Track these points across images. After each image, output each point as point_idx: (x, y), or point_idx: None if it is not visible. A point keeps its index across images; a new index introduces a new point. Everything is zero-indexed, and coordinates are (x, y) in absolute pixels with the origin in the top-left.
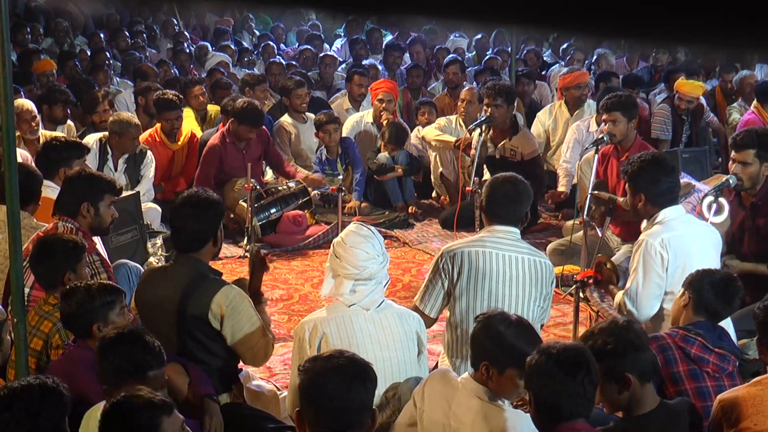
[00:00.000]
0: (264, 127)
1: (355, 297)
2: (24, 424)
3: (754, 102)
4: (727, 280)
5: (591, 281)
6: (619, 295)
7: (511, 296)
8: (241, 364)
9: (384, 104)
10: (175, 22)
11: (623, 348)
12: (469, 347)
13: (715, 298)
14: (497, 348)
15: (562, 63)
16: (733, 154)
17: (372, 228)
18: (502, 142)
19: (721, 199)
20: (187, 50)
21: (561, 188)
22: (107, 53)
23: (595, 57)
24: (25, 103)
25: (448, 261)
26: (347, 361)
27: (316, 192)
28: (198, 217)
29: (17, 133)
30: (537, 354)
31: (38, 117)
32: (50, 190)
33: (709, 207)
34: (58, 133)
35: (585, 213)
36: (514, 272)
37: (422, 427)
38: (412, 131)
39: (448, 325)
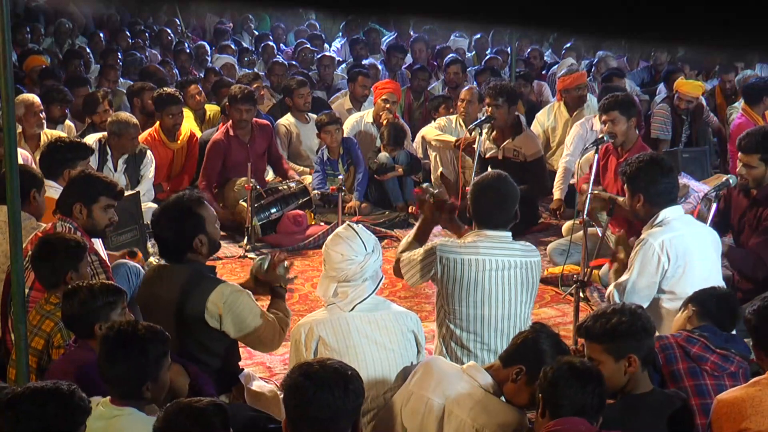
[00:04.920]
0: (269, 122)
1: (337, 299)
2: (26, 426)
3: (742, 103)
4: (728, 296)
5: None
6: (611, 286)
7: (504, 301)
8: (241, 364)
9: (388, 104)
10: (178, 22)
11: (637, 330)
12: (509, 345)
13: (718, 311)
14: (537, 363)
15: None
16: (739, 155)
17: (358, 228)
18: (505, 143)
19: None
20: (188, 50)
21: (556, 193)
22: (118, 53)
23: (596, 59)
24: (32, 96)
25: (438, 264)
26: (320, 368)
27: (316, 192)
28: (174, 229)
29: (18, 130)
30: (555, 362)
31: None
32: (53, 191)
33: (709, 208)
34: (62, 133)
35: (585, 213)
36: (506, 277)
37: (406, 404)
38: (412, 131)
39: (443, 328)
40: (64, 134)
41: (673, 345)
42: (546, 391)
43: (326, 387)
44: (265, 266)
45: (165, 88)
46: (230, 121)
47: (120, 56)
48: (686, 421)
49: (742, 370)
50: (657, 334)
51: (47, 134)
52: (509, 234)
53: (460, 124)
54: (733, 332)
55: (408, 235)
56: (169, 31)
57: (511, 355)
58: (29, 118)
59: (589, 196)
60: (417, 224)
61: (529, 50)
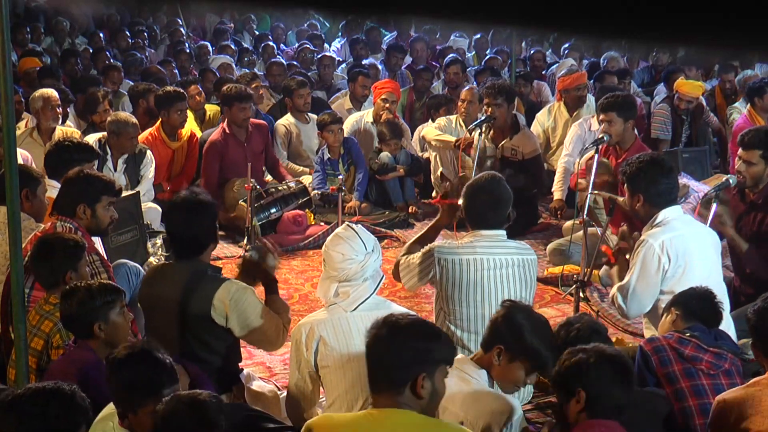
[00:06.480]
0: (265, 122)
1: (338, 299)
2: (28, 426)
3: (748, 106)
4: (708, 293)
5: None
6: (614, 289)
7: (503, 299)
8: (241, 364)
9: (388, 104)
10: (180, 22)
11: (588, 333)
12: (485, 329)
13: (702, 309)
14: (515, 337)
15: (571, 62)
16: (739, 151)
17: (358, 228)
18: (503, 142)
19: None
20: (188, 50)
21: (557, 194)
22: (107, 53)
23: (605, 60)
24: (50, 90)
25: (436, 265)
26: (398, 319)
27: (316, 192)
28: (190, 223)
29: (32, 124)
30: (591, 356)
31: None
32: (55, 191)
33: (709, 207)
34: (73, 131)
35: (585, 213)
36: (505, 276)
37: None
38: (413, 131)
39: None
40: (77, 131)
41: (665, 347)
42: (589, 386)
43: (395, 336)
44: (256, 257)
45: (166, 87)
46: (226, 121)
47: (109, 56)
48: (672, 420)
49: (735, 367)
50: (650, 335)
51: (62, 130)
52: (504, 233)
53: (460, 124)
54: (730, 326)
55: (412, 239)
56: (183, 30)
57: (487, 338)
58: (46, 112)
59: (589, 196)
60: (427, 228)
61: (533, 51)
